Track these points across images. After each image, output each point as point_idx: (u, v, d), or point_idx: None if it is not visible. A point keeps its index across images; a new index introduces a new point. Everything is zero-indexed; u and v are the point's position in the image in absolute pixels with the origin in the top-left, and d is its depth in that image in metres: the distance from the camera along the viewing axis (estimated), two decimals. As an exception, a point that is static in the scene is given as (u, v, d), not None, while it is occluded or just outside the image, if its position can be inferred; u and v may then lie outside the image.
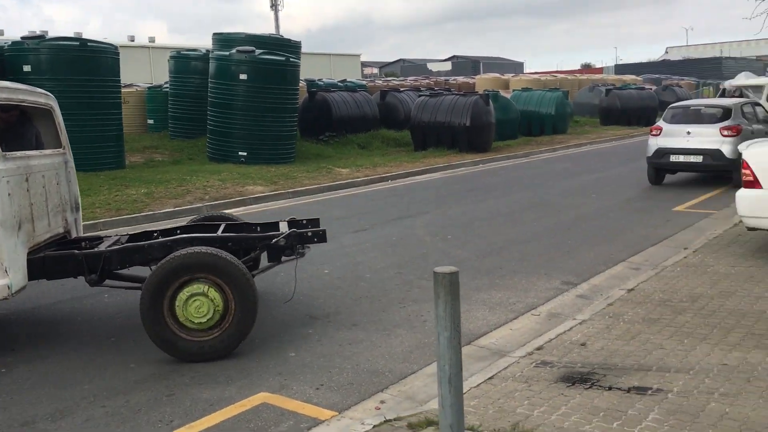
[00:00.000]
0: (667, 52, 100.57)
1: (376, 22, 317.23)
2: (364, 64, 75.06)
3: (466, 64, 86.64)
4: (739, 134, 12.95)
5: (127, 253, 5.90)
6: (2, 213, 5.24)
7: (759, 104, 15.14)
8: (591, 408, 4.27)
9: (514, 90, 33.11)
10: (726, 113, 13.55)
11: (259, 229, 6.74)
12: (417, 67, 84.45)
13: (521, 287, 7.36)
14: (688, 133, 13.53)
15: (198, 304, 5.34)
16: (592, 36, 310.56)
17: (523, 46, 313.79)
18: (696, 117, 14.00)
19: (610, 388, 4.55)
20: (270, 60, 18.55)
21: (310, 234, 6.39)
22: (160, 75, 33.77)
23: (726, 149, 13.05)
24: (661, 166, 14.17)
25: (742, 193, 7.67)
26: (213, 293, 5.36)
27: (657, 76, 57.04)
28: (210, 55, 19.71)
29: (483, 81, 42.29)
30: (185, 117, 21.69)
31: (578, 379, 4.76)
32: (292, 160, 19.23)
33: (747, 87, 19.23)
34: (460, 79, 46.70)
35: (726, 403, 4.19)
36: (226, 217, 7.29)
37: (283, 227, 6.57)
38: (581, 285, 7.38)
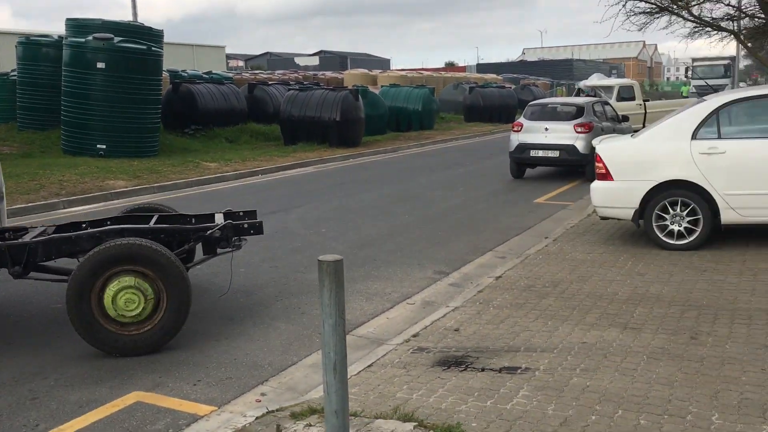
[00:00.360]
0: (524, 53, 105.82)
1: (241, 13, 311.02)
2: (229, 57, 73.30)
3: (333, 60, 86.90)
4: (591, 131, 13.90)
5: (54, 245, 5.68)
6: None
7: (608, 103, 16.31)
8: (466, 389, 4.46)
9: (382, 86, 33.61)
10: (579, 111, 14.49)
11: (193, 220, 6.63)
12: (284, 60, 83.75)
13: (396, 278, 7.53)
14: (546, 129, 14.36)
15: (128, 298, 5.20)
16: (455, 35, 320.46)
17: (390, 43, 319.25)
18: (553, 114, 14.88)
19: (483, 370, 4.77)
20: (130, 48, 17.74)
21: (246, 226, 6.28)
22: (5, 62, 31.36)
23: (579, 145, 13.97)
24: (522, 161, 14.94)
25: (596, 185, 8.24)
26: (144, 286, 5.24)
27: (515, 75, 59.92)
28: (64, 42, 18.55)
29: (351, 76, 42.60)
30: (36, 107, 20.26)
31: (453, 362, 4.95)
32: (156, 154, 18.52)
33: (599, 87, 20.67)
34: (329, 74, 46.82)
35: (586, 377, 4.51)
36: (159, 208, 7.09)
37: (219, 219, 6.45)
38: (453, 274, 7.66)
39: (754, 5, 15.02)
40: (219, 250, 6.22)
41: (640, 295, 6.20)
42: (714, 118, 7.62)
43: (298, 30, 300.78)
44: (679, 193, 7.65)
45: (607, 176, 8.05)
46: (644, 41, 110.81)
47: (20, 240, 5.80)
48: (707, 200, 7.53)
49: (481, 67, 76.99)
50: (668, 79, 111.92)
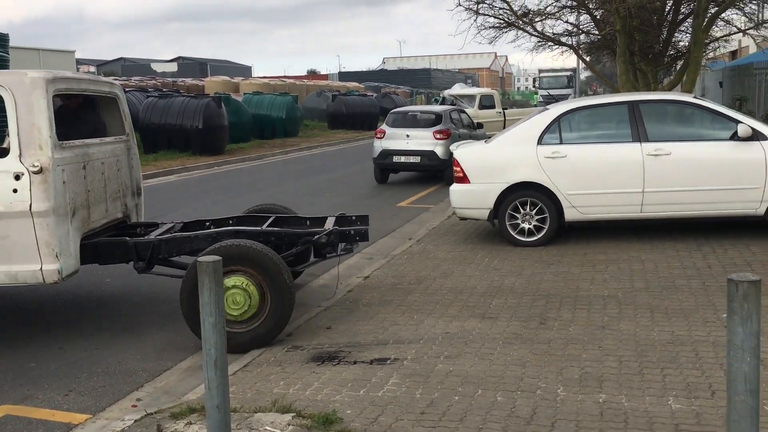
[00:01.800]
0: (384, 62, 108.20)
1: (91, 17, 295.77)
2: (79, 62, 69.62)
3: (192, 66, 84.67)
4: (449, 137, 14.65)
5: (176, 243, 6.05)
6: (55, 201, 5.31)
7: (464, 111, 17.24)
8: (340, 380, 4.72)
9: (245, 93, 33.37)
10: (438, 119, 15.24)
11: (308, 223, 6.86)
12: (140, 66, 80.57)
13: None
14: (408, 136, 14.98)
15: (234, 296, 5.40)
16: (316, 43, 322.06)
17: (250, 50, 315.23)
18: (413, 121, 15.54)
19: (355, 362, 5.06)
20: (-27, 52, 16.60)
21: (352, 232, 6.44)
22: None
23: (439, 150, 14.69)
24: (385, 166, 15.47)
25: (454, 188, 8.79)
26: (249, 286, 5.45)
27: (376, 84, 61.22)
28: None
29: (212, 84, 41.92)
30: None
31: (327, 357, 5.20)
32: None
33: (462, 96, 21.75)
34: (189, 80, 45.75)
35: (450, 363, 4.91)
36: (277, 209, 7.34)
37: (329, 223, 6.62)
38: (323, 276, 7.90)
39: (590, 23, 16.48)
40: (328, 255, 6.44)
41: (496, 288, 6.74)
42: (556, 125, 8.38)
43: (154, 35, 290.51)
44: (528, 193, 8.33)
45: (464, 179, 8.62)
46: (495, 53, 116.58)
47: (146, 237, 6.16)
48: (553, 200, 8.26)
49: (344, 76, 78.05)
50: (518, 88, 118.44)
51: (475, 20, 14.35)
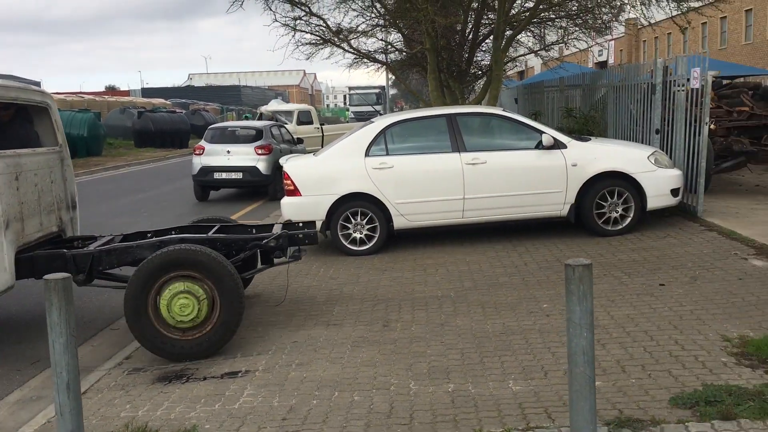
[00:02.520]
0: (190, 78, 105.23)
1: None
2: None
3: (-28, 81, 76.77)
4: (271, 152, 14.65)
5: (116, 254, 5.83)
6: None
7: (284, 126, 17.30)
8: (192, 397, 4.59)
9: (39, 110, 30.87)
10: (258, 134, 15.17)
11: (253, 231, 6.62)
12: None
13: (93, 306, 7.23)
14: (228, 152, 14.75)
15: (183, 303, 5.23)
16: (113, 58, 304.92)
17: (37, 64, 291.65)
18: (233, 137, 15.33)
19: (205, 378, 4.94)
20: None
21: (301, 236, 6.30)
22: None
23: (261, 166, 14.63)
24: (206, 183, 15.11)
25: (286, 201, 8.83)
26: (198, 291, 5.27)
27: (184, 100, 59.37)
28: None
29: None
30: None
31: (173, 377, 5.03)
32: None
33: (280, 112, 21.75)
34: (-30, 96, 41.40)
35: (302, 370, 4.96)
36: (222, 219, 7.06)
37: (277, 229, 6.43)
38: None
39: (401, 41, 17.33)
40: (276, 261, 6.37)
41: (336, 296, 6.88)
42: (382, 137, 8.74)
43: None
44: (358, 204, 8.59)
45: (295, 192, 8.69)
46: (305, 70, 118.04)
47: (84, 249, 5.89)
48: (382, 209, 8.59)
49: (147, 92, 74.80)
50: (328, 105, 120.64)
51: (293, 36, 14.52)
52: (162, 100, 53.27)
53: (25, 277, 5.77)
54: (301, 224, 6.70)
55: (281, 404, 4.37)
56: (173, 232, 6.48)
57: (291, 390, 4.60)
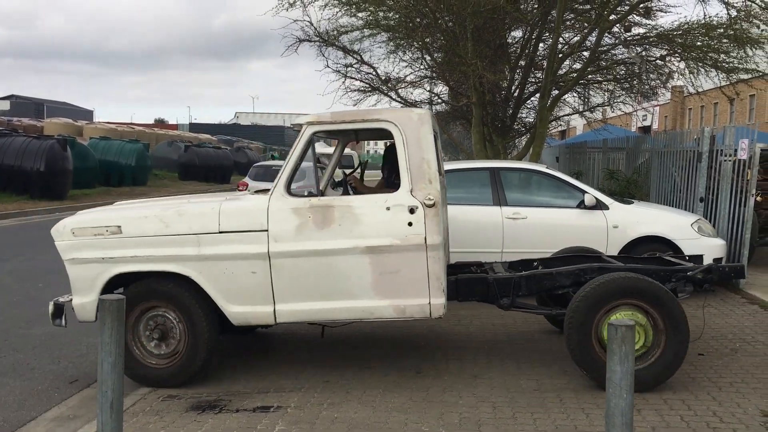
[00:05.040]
0: (237, 117, 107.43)
1: None
2: None
3: (27, 106, 79.37)
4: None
5: (536, 280, 5.89)
6: (441, 234, 5.37)
7: (325, 168, 17.55)
8: (224, 428, 4.64)
9: (91, 138, 31.86)
10: (301, 175, 15.40)
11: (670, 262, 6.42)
12: (-33, 102, 74.48)
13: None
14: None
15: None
16: (164, 92, 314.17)
17: (91, 94, 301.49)
18: (276, 176, 15.58)
19: (237, 411, 4.99)
20: None
21: (727, 269, 5.99)
22: None
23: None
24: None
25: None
26: (642, 320, 5.24)
27: (229, 137, 60.61)
28: None
29: (53, 125, 39.46)
30: None
31: (207, 406, 5.09)
32: None
33: (323, 154, 22.16)
34: (26, 120, 42.85)
35: (334, 410, 4.98)
36: (587, 249, 7.03)
37: (702, 261, 6.38)
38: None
39: (446, 93, 17.58)
40: (681, 294, 5.98)
41: (370, 338, 6.91)
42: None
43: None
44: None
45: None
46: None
47: (506, 274, 5.98)
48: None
49: (195, 127, 76.49)
50: (368, 152, 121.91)
51: (343, 82, 14.86)
52: (208, 136, 54.46)
53: (451, 299, 5.78)
54: (688, 257, 6.61)
55: (312, 442, 4.39)
56: (558, 264, 6.43)
57: (322, 429, 4.62)
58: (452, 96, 17.25)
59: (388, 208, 5.38)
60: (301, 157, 5.63)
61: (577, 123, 38.23)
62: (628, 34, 14.01)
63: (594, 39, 13.45)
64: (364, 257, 5.34)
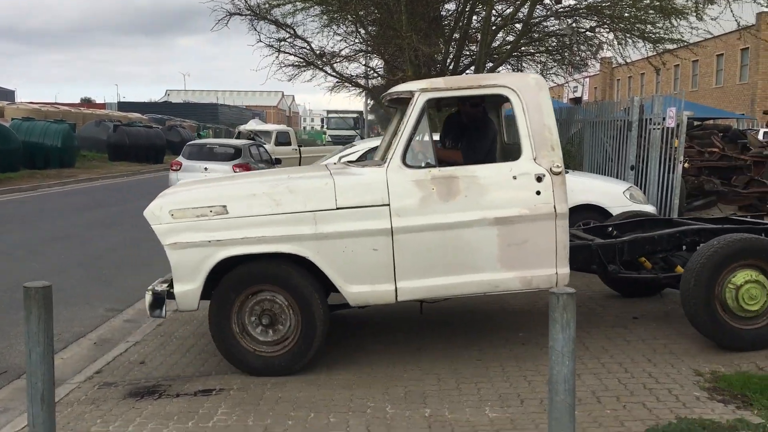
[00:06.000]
0: (168, 94, 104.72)
1: None
2: None
3: (-58, 86, 75.54)
4: (249, 171, 14.60)
5: (639, 244, 5.92)
6: (567, 202, 5.25)
7: (262, 146, 17.31)
8: (164, 414, 4.52)
9: (13, 119, 30.48)
10: (237, 152, 15.15)
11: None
12: None
13: (63, 318, 7.08)
14: (206, 169, 14.69)
15: (750, 291, 5.25)
16: (90, 70, 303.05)
17: (12, 73, 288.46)
18: (211, 155, 15.29)
19: (178, 395, 4.87)
20: None
21: None
22: None
23: (238, 184, 14.55)
24: (180, 199, 14.96)
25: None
26: (762, 278, 5.29)
27: (160, 116, 58.97)
28: None
29: (-29, 107, 37.70)
30: None
31: (145, 392, 4.95)
32: None
33: (259, 132, 21.79)
34: (-59, 101, 40.74)
35: (278, 390, 4.90)
36: (643, 213, 7.06)
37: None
38: (126, 311, 7.48)
39: (382, 67, 17.51)
40: None
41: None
42: (363, 158, 8.79)
43: None
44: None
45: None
46: (283, 92, 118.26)
47: (609, 240, 6.03)
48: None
49: (123, 106, 74.13)
50: (305, 128, 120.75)
51: (276, 57, 14.59)
52: (138, 115, 52.82)
53: None
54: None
55: (256, 423, 4.32)
56: (610, 229, 6.60)
57: (266, 409, 4.55)
58: (388, 70, 17.18)
59: (514, 177, 5.16)
60: (415, 127, 5.21)
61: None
62: (559, 5, 14.19)
63: (526, 11, 13.56)
64: (492, 229, 5.10)
